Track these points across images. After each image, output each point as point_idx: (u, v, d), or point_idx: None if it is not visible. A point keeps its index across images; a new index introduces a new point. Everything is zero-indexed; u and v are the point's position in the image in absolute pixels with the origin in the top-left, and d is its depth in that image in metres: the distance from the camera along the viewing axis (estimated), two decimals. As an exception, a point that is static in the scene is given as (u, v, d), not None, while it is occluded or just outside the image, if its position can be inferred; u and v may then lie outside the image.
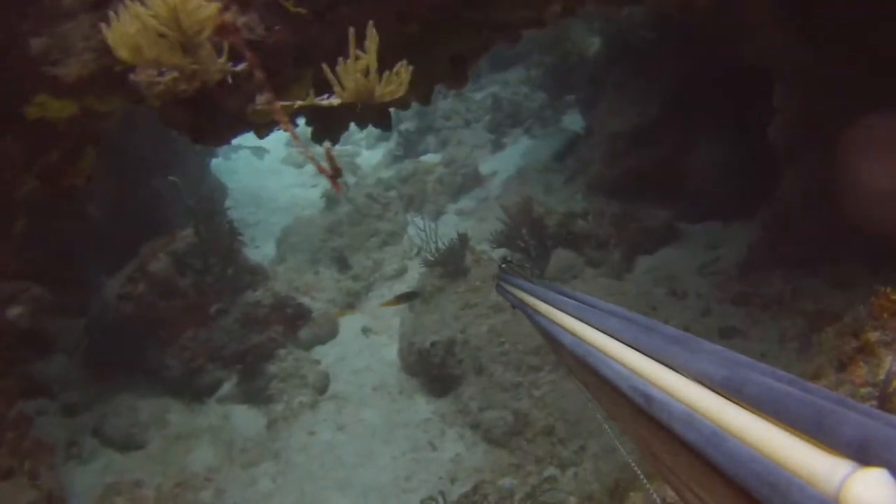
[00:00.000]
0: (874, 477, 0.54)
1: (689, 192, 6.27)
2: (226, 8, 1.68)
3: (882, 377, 2.29)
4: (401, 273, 7.07)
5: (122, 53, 1.33)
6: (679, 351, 0.90)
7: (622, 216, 6.49)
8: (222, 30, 1.65)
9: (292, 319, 6.17)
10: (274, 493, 4.79)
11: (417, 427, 5.17)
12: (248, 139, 4.00)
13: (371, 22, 1.54)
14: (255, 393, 5.70)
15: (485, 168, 8.76)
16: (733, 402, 0.75)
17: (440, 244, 6.07)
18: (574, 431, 4.57)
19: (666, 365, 0.92)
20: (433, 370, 5.39)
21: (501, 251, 6.36)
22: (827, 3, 4.31)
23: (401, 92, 1.68)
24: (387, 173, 9.37)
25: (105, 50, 1.68)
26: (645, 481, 1.49)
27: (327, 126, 3.04)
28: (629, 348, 1.03)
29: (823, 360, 2.33)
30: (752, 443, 0.69)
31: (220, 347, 5.81)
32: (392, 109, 4.40)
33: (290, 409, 5.52)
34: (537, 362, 4.97)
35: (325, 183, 8.80)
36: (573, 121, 8.92)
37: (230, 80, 1.67)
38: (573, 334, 1.29)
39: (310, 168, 9.99)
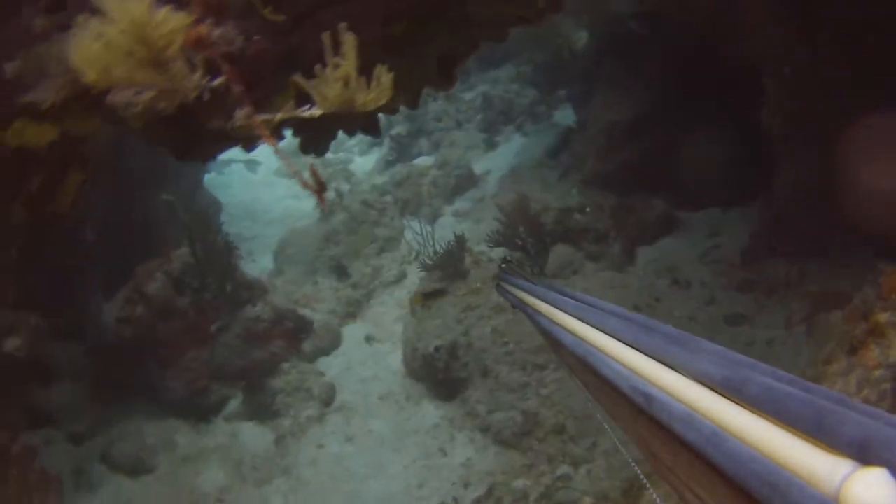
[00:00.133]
0: (874, 477, 0.54)
1: (686, 182, 6.22)
2: (199, 20, 1.63)
3: (894, 358, 2.24)
4: (400, 278, 7.02)
5: (90, 75, 1.28)
6: (679, 351, 0.91)
7: (620, 208, 6.44)
8: (197, 43, 1.60)
9: (294, 332, 6.12)
10: (285, 509, 4.74)
11: (427, 433, 5.12)
12: (241, 152, 3.97)
13: (343, 25, 1.49)
14: (261, 409, 5.65)
15: (479, 168, 8.72)
16: (733, 402, 0.75)
17: (438, 247, 6.03)
18: (584, 428, 4.52)
19: (666, 365, 0.92)
20: (438, 375, 5.34)
21: (500, 251, 6.32)
22: (826, 2, 4.27)
23: (384, 99, 1.63)
24: (381, 179, 9.32)
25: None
26: (645, 481, 1.47)
27: (315, 136, 2.99)
28: (629, 348, 1.04)
29: (834, 344, 2.28)
30: (752, 443, 0.69)
31: (222, 365, 5.76)
32: (381, 115, 4.37)
33: (297, 423, 5.47)
34: (542, 361, 4.92)
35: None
36: (565, 116, 8.88)
37: (207, 97, 1.62)
38: (573, 334, 1.30)
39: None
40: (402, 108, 4.79)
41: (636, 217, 6.36)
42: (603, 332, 1.16)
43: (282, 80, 2.21)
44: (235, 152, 3.77)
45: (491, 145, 9.35)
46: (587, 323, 1.24)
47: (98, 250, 5.95)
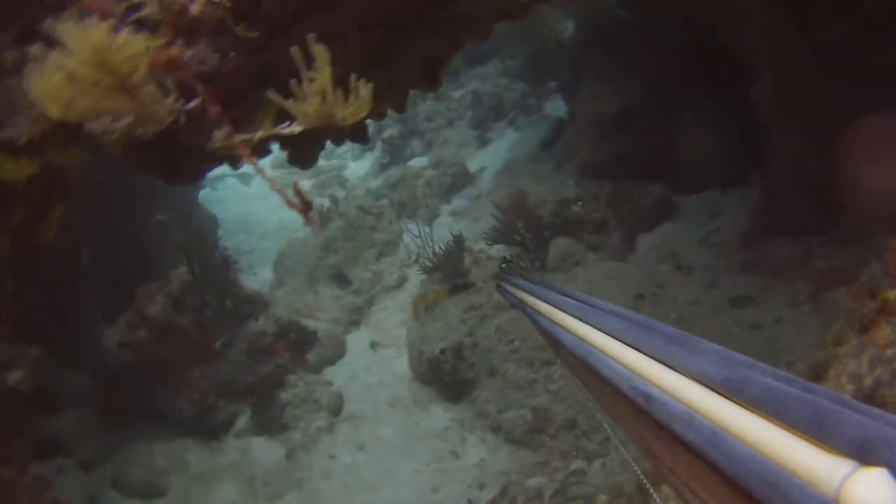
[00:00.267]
0: (874, 477, 0.54)
1: (681, 167, 6.17)
2: (170, 42, 1.59)
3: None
4: (401, 282, 6.98)
5: (53, 110, 1.24)
6: (679, 351, 0.90)
7: (617, 197, 6.40)
8: (168, 66, 1.55)
9: (298, 344, 6.08)
10: (301, 523, 4.71)
11: (437, 437, 5.09)
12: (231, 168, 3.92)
13: (312, 36, 1.45)
14: (270, 423, 5.62)
15: (473, 165, 8.67)
16: (733, 402, 0.75)
17: (437, 248, 5.99)
18: (596, 422, 4.48)
19: (666, 365, 0.92)
20: (445, 377, 5.31)
21: (499, 248, 6.27)
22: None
23: (363, 112, 1.59)
24: (375, 183, 9.28)
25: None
26: (645, 481, 1.46)
27: (301, 148, 2.95)
28: (629, 348, 1.03)
29: (843, 324, 2.24)
30: (752, 443, 0.69)
31: (229, 382, 5.72)
32: (369, 121, 4.32)
33: (307, 435, 5.43)
34: (549, 356, 4.87)
35: (314, 201, 8.71)
36: (556, 107, 8.83)
37: (183, 120, 1.58)
38: (573, 334, 1.29)
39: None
40: (391, 112, 4.74)
41: (633, 204, 6.32)
42: (603, 331, 1.15)
43: (260, 96, 2.17)
44: (227, 167, 3.74)
45: (483, 142, 9.30)
46: (587, 323, 1.24)
47: (94, 275, 5.93)
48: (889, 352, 2.14)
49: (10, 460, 4.26)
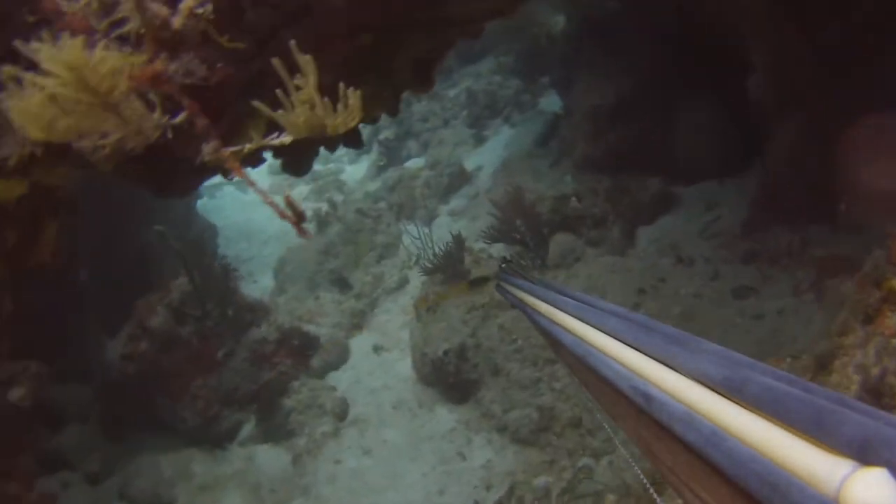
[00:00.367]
0: (874, 476, 0.54)
1: (678, 158, 6.15)
2: (154, 56, 1.57)
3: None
4: (402, 284, 6.97)
5: (33, 132, 1.22)
6: (679, 351, 0.90)
7: (615, 191, 6.37)
8: (154, 80, 1.53)
9: (301, 350, 6.07)
10: (309, 530, 4.70)
11: (443, 438, 5.07)
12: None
13: (293, 43, 1.43)
14: (275, 430, 5.61)
15: (470, 164, 8.65)
16: (733, 401, 0.75)
17: (437, 249, 5.97)
18: (601, 420, 4.46)
19: (666, 365, 0.92)
20: (449, 378, 5.29)
21: (499, 247, 6.25)
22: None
23: (354, 121, 1.57)
24: (373, 185, 9.26)
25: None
26: (646, 482, 1.46)
27: (295, 156, 2.93)
28: (629, 348, 1.03)
29: (848, 314, 2.22)
30: (751, 443, 0.69)
31: (232, 390, 5.71)
32: (363, 124, 4.29)
33: (312, 440, 5.42)
34: (552, 355, 4.85)
35: (311, 206, 8.69)
36: (551, 102, 8.80)
37: (171, 135, 1.56)
38: (573, 334, 1.29)
39: (295, 192, 9.88)
40: (386, 115, 4.72)
41: (631, 198, 6.29)
42: (603, 331, 1.15)
43: (250, 106, 2.15)
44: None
45: (480, 140, 9.28)
46: (587, 323, 1.24)
47: (94, 289, 5.91)
48: (895, 341, 2.12)
49: (14, 476, 4.25)
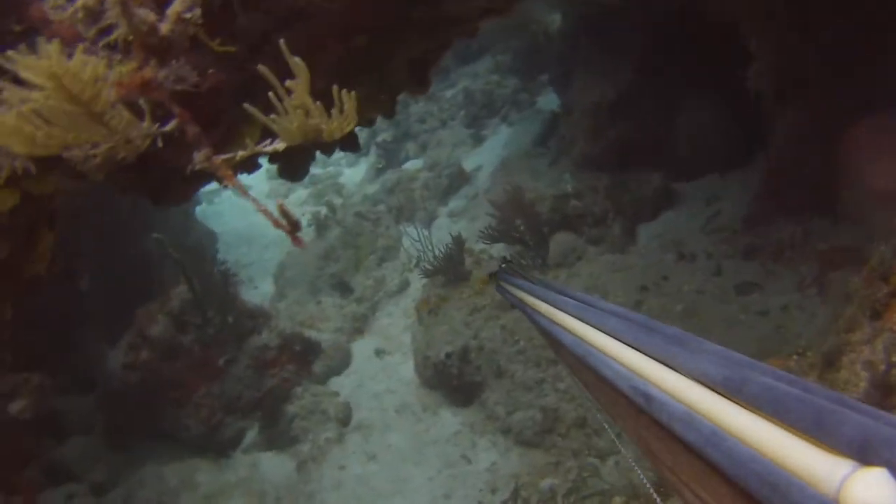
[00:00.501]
0: (874, 476, 0.54)
1: (678, 153, 6.11)
2: (143, 63, 1.54)
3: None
4: (403, 287, 6.94)
5: (15, 147, 1.19)
6: (679, 351, 0.90)
7: (615, 188, 6.33)
8: (143, 88, 1.50)
9: (303, 355, 6.04)
10: (315, 537, 4.66)
11: (448, 442, 5.04)
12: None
13: (283, 42, 1.40)
14: (279, 437, 5.57)
15: (468, 164, 8.62)
16: (733, 401, 0.75)
17: (437, 251, 5.94)
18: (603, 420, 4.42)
19: (666, 365, 0.92)
20: (452, 381, 5.25)
21: (500, 247, 6.22)
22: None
23: (350, 126, 1.54)
24: (372, 188, 9.23)
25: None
26: (647, 483, 1.45)
27: (291, 161, 2.90)
28: (629, 348, 1.03)
29: (856, 310, 2.18)
30: (751, 443, 0.69)
31: (235, 398, 5.68)
32: (360, 127, 4.26)
33: (316, 447, 5.39)
34: (555, 355, 4.82)
35: (310, 210, 8.67)
36: (549, 101, 8.77)
37: (161, 143, 1.53)
38: (573, 334, 1.30)
39: (294, 197, 9.87)
40: (383, 117, 4.69)
41: (632, 195, 6.26)
42: (603, 331, 1.15)
43: (244, 111, 2.12)
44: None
45: (478, 140, 9.25)
46: (587, 323, 1.24)
47: (95, 298, 5.89)
48: (904, 337, 2.08)
49: (19, 489, 4.23)
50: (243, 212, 9.87)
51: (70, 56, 1.12)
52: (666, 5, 5.84)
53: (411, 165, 9.31)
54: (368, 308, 6.80)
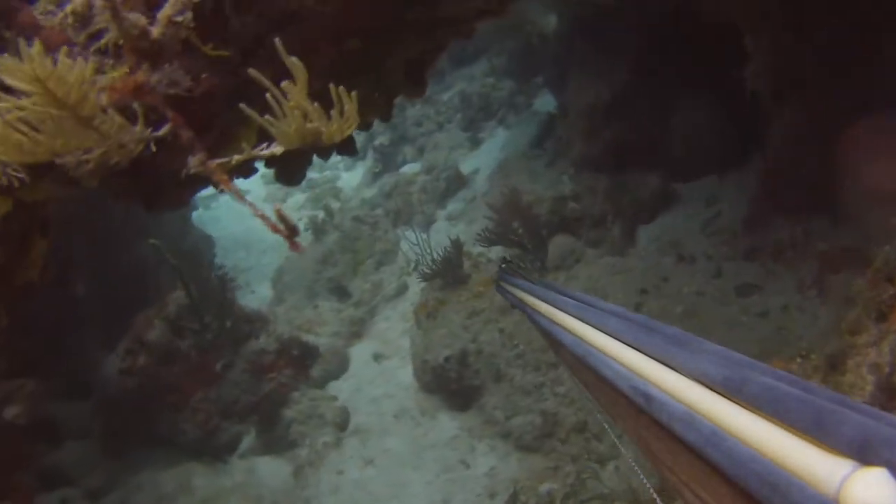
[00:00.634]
0: (874, 476, 0.54)
1: (676, 154, 6.10)
2: (135, 67, 1.51)
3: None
4: (401, 291, 6.91)
5: (3, 155, 1.16)
6: (679, 351, 0.90)
7: (613, 190, 6.31)
8: (136, 92, 1.48)
9: (300, 360, 6.01)
10: (312, 543, 4.63)
11: (446, 446, 5.01)
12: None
13: (277, 39, 1.37)
14: (276, 441, 5.54)
15: (466, 167, 8.60)
16: (733, 401, 0.75)
17: (436, 254, 5.91)
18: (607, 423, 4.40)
19: (666, 365, 0.92)
20: (451, 385, 5.23)
21: (497, 250, 6.20)
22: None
23: (350, 129, 1.52)
24: (369, 192, 9.21)
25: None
26: (647, 483, 1.44)
27: (287, 165, 2.88)
28: (629, 348, 1.04)
29: (861, 312, 2.16)
30: (751, 443, 0.69)
31: (232, 403, 5.65)
32: (356, 131, 4.24)
33: (314, 451, 5.36)
34: (555, 358, 4.79)
35: (307, 214, 8.65)
36: (545, 102, 8.75)
37: (154, 148, 1.50)
38: (573, 334, 1.30)
39: (292, 201, 9.84)
40: (379, 120, 4.66)
41: (630, 196, 6.23)
42: (603, 332, 1.16)
43: (240, 114, 2.09)
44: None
45: (475, 143, 9.23)
46: (587, 323, 1.24)
47: (92, 304, 5.86)
48: (909, 339, 2.06)
49: (13, 494, 4.20)
50: (240, 216, 9.84)
51: (55, 59, 1.09)
52: (661, 6, 5.83)
53: (408, 169, 9.29)
54: (366, 312, 6.78)
